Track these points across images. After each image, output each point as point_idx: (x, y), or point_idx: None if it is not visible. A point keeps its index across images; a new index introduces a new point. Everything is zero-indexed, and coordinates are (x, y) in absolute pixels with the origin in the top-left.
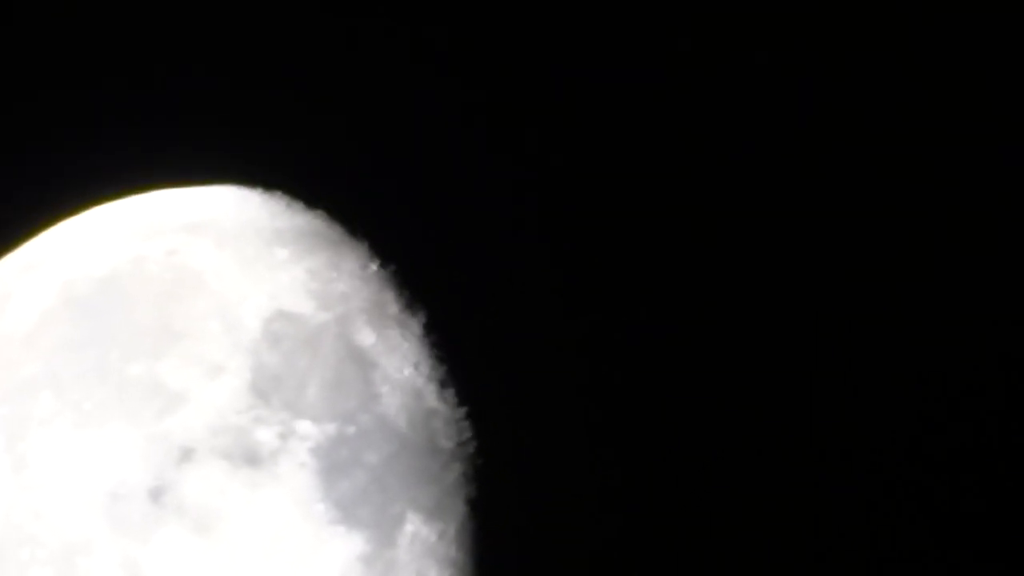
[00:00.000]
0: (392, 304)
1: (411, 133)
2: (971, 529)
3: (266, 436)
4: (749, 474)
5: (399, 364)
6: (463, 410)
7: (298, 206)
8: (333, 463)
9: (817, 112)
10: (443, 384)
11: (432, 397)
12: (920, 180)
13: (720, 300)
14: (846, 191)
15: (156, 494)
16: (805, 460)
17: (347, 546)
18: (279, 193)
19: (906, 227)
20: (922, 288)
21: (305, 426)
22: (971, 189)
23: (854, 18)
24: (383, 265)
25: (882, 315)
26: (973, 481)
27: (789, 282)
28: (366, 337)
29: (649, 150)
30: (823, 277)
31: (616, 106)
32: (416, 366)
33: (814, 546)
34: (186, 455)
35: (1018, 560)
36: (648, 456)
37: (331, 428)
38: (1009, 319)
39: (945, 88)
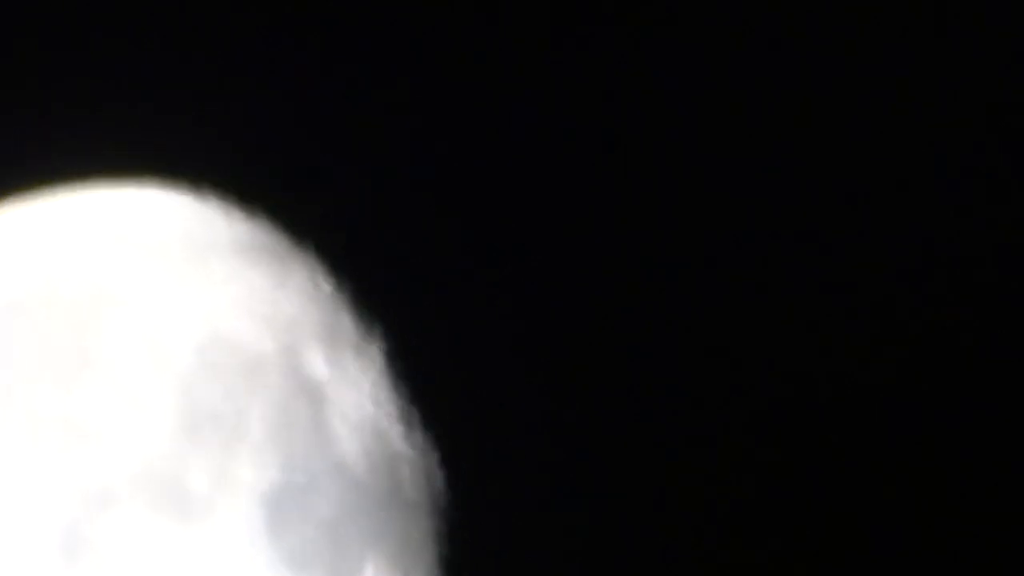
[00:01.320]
0: (349, 328)
1: (370, 126)
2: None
3: (199, 482)
4: (743, 517)
5: (357, 400)
6: (435, 455)
7: (237, 212)
8: (278, 516)
9: (816, 112)
10: (411, 424)
11: (398, 439)
12: (920, 181)
13: (713, 315)
14: (842, 193)
15: (69, 548)
16: (800, 489)
17: None
18: (214, 196)
19: (904, 228)
20: (919, 289)
21: (245, 472)
22: (971, 188)
23: (854, 18)
24: (338, 282)
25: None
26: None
27: (773, 298)
28: (318, 367)
29: (634, 151)
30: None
31: (597, 106)
32: (378, 402)
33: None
34: (105, 503)
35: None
36: (650, 515)
37: (276, 475)
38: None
39: (945, 88)
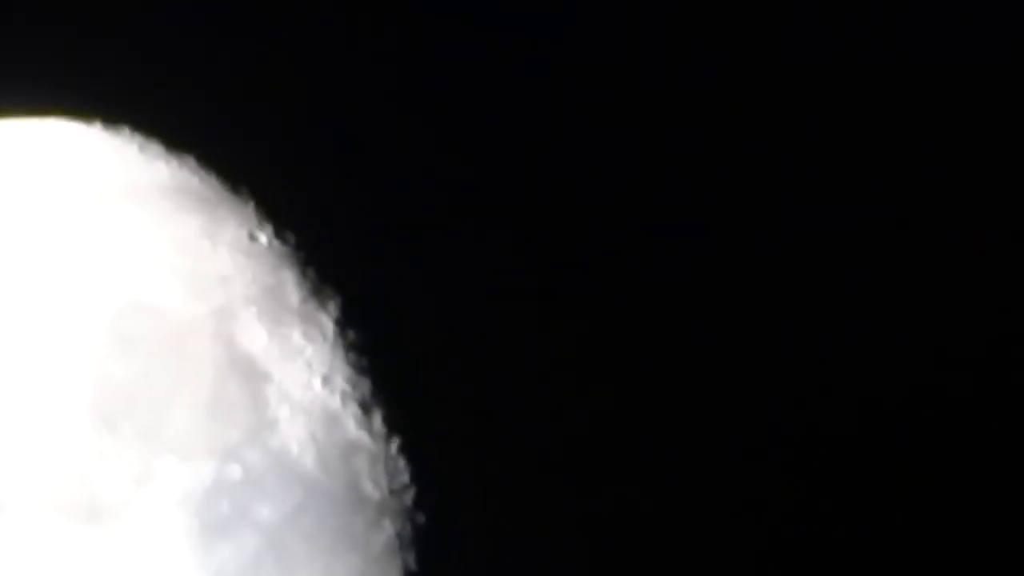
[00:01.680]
0: (292, 290)
1: (316, 51)
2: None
3: (114, 481)
4: (730, 535)
5: (303, 376)
6: (396, 443)
7: (157, 150)
8: (210, 520)
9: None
10: (367, 405)
11: (352, 424)
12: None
13: (708, 305)
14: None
15: None
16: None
17: None
18: (129, 131)
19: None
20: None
21: (170, 466)
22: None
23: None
24: (278, 234)
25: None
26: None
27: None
28: (256, 337)
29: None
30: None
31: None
32: (327, 379)
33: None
34: (0, 507)
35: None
36: (643, 512)
37: (207, 469)
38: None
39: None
